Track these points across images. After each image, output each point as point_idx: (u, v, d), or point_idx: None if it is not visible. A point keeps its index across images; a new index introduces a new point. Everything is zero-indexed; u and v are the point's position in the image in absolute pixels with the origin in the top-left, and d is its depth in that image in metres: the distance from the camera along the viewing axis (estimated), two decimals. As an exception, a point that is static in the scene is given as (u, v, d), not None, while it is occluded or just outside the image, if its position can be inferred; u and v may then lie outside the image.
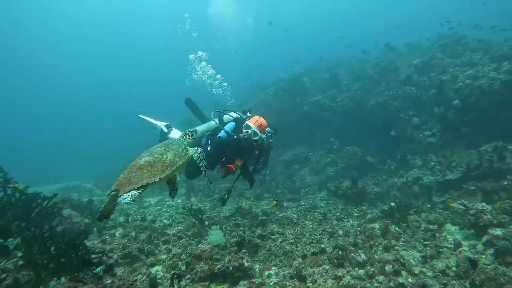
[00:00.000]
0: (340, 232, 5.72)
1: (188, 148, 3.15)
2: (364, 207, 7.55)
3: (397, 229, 5.55)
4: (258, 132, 4.58)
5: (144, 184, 2.51)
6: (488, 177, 7.06)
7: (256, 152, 5.03)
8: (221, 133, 4.84)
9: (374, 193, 8.12)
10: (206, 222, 6.72)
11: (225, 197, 4.86)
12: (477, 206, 5.37)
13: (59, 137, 41.14)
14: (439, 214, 6.15)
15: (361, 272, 4.06)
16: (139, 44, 54.16)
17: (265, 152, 5.32)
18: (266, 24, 21.13)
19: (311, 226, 6.31)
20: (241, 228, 6.30)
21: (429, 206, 6.88)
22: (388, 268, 4.12)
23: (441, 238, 5.25)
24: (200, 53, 10.60)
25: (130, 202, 2.42)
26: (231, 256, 4.18)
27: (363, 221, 6.48)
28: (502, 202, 5.46)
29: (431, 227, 5.72)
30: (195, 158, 3.20)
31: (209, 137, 5.15)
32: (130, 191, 2.44)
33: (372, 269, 4.10)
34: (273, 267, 4.26)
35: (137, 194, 2.47)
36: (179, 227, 6.75)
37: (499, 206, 5.25)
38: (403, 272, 4.10)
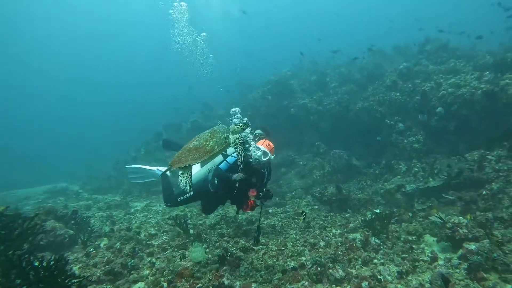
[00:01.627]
0: (322, 243, 5.83)
1: (230, 136, 3.45)
2: (347, 215, 7.69)
3: (376, 240, 5.69)
4: (267, 151, 4.53)
5: (187, 165, 3.34)
6: (468, 186, 7.28)
7: (265, 171, 4.82)
8: (223, 165, 4.64)
9: (358, 200, 8.26)
10: (191, 231, 6.78)
11: (257, 234, 4.60)
12: (454, 219, 5.53)
13: (49, 135, 40.53)
14: (419, 224, 6.31)
15: (338, 289, 4.18)
16: (129, 46, 53.46)
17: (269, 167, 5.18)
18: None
19: (294, 236, 6.41)
20: (225, 238, 6.37)
21: (410, 214, 7.05)
22: (364, 284, 4.25)
23: (418, 251, 5.41)
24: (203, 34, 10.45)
25: (186, 188, 3.42)
26: (212, 275, 4.24)
27: (345, 230, 6.62)
28: (473, 215, 5.68)
29: (410, 238, 5.88)
30: (232, 146, 3.54)
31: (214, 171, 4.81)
32: (178, 167, 3.35)
33: (349, 286, 4.21)
34: (253, 284, 4.34)
35: (186, 178, 3.42)
36: (164, 237, 6.80)
37: (470, 218, 5.43)
38: (379, 289, 4.23)
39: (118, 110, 48.45)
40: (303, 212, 4.79)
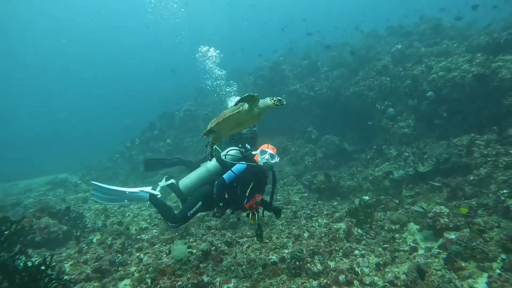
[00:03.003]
0: (306, 234, 5.94)
1: (246, 105, 3.52)
2: (335, 203, 7.77)
3: (359, 231, 5.77)
4: (274, 154, 4.48)
5: (208, 129, 3.87)
6: (457, 171, 7.28)
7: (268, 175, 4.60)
8: (229, 176, 4.28)
9: (347, 187, 8.33)
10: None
11: (259, 231, 4.46)
12: (436, 209, 5.56)
13: (51, 127, 40.82)
14: (404, 212, 6.36)
15: (315, 283, 4.28)
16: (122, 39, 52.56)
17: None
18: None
19: (280, 227, 6.52)
20: (212, 231, 6.51)
21: (397, 201, 7.10)
22: (341, 278, 4.35)
23: (400, 241, 5.49)
24: None
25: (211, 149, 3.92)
26: (191, 273, 4.36)
27: (331, 220, 6.71)
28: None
29: (393, 227, 5.95)
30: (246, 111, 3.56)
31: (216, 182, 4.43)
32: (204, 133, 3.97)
33: (325, 280, 4.32)
34: (232, 280, 4.46)
35: (210, 146, 3.94)
36: (154, 231, 6.95)
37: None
38: (355, 282, 4.33)
39: (116, 101, 48.35)
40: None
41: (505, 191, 6.04)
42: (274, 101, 3.49)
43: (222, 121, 3.73)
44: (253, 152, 4.57)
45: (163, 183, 4.72)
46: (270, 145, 4.62)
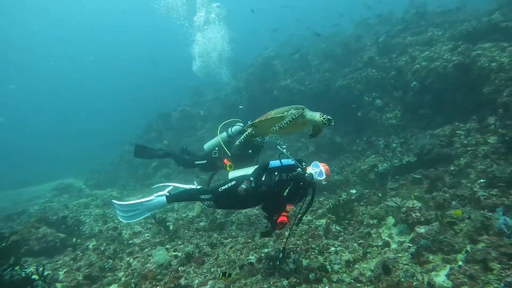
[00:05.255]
0: (286, 233, 6.16)
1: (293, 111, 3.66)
2: (321, 198, 7.97)
3: (337, 228, 5.98)
4: (324, 173, 4.32)
5: (252, 122, 4.31)
6: (439, 162, 7.38)
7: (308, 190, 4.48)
8: (275, 163, 4.46)
9: (334, 182, 8.49)
10: (171, 227, 7.24)
11: (280, 256, 4.47)
12: (408, 203, 5.72)
13: (58, 132, 41.71)
14: (382, 208, 6.51)
15: (285, 283, 4.53)
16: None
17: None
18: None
19: (265, 225, 6.77)
20: (200, 233, 6.81)
21: (380, 195, 7.26)
22: (311, 276, 4.59)
23: (375, 236, 5.68)
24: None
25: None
26: (169, 277, 4.67)
27: (314, 216, 6.93)
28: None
29: (371, 222, 6.14)
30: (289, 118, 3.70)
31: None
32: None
33: (295, 279, 4.56)
34: (209, 282, 4.75)
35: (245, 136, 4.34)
36: (146, 235, 7.30)
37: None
38: (324, 280, 4.56)
39: (116, 101, 48.76)
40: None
41: (482, 180, 6.16)
42: (323, 118, 3.49)
43: (264, 120, 3.90)
44: (315, 162, 4.49)
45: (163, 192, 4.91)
46: (327, 166, 4.43)
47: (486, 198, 5.46)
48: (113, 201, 4.90)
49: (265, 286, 4.52)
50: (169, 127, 14.83)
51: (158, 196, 4.81)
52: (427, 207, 5.82)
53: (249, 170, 4.77)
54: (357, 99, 10.46)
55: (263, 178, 4.38)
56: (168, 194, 4.83)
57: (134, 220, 4.81)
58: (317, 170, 4.32)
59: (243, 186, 4.34)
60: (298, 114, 3.64)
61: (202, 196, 4.70)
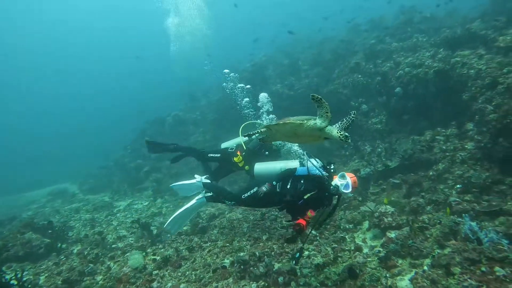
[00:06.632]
0: (264, 237, 6.27)
1: (312, 122, 3.41)
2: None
3: (313, 232, 6.07)
4: (350, 186, 4.16)
5: (268, 124, 4.05)
6: (420, 167, 7.47)
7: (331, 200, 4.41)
8: (302, 170, 4.47)
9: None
10: (155, 232, 7.36)
11: (297, 255, 4.31)
12: (381, 208, 5.81)
13: (53, 135, 41.94)
14: (359, 213, 6.59)
15: (253, 285, 4.64)
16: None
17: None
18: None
19: (246, 230, 6.87)
20: (182, 237, 6.93)
21: (360, 199, 7.34)
22: (280, 279, 4.69)
23: (349, 240, 5.77)
24: None
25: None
26: (142, 281, 4.79)
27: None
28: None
29: (347, 226, 6.23)
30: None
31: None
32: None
33: (263, 282, 4.66)
34: (181, 285, 4.86)
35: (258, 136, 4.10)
36: (130, 239, 7.42)
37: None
38: (292, 283, 4.66)
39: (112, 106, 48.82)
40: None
41: (458, 186, 6.25)
42: (340, 134, 3.36)
43: (282, 124, 3.60)
44: (343, 173, 4.31)
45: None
46: (355, 178, 4.28)
47: (458, 204, 5.55)
48: (165, 227, 5.60)
49: (234, 289, 4.63)
50: (163, 132, 15.01)
51: (198, 199, 5.48)
52: (400, 212, 5.91)
53: (275, 165, 4.84)
54: (343, 104, 10.56)
55: (288, 186, 4.42)
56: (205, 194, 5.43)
57: (186, 222, 5.96)
58: (344, 182, 4.16)
59: (263, 188, 4.53)
60: (304, 120, 3.44)
61: (227, 202, 5.13)
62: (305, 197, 4.12)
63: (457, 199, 5.65)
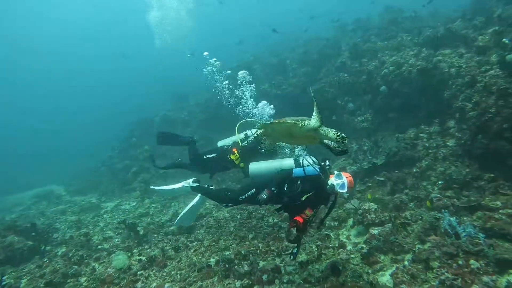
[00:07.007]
0: (250, 236, 6.30)
1: (307, 122, 3.45)
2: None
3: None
4: (347, 186, 4.14)
5: (264, 123, 3.96)
6: (405, 164, 7.58)
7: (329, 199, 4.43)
8: (299, 171, 4.40)
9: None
10: (141, 232, 7.32)
11: (295, 251, 4.25)
12: (365, 205, 5.90)
13: (38, 133, 41.10)
14: (344, 210, 6.66)
15: (238, 284, 4.66)
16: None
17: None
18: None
19: (232, 229, 6.88)
20: (169, 237, 6.91)
21: (345, 197, 7.42)
22: (264, 277, 4.72)
23: (333, 237, 5.84)
24: None
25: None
26: (126, 281, 4.76)
27: (280, 219, 7.06)
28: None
29: (333, 224, 6.29)
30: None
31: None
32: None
33: (247, 280, 4.69)
34: (166, 285, 4.86)
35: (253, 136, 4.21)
36: (116, 240, 7.36)
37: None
38: (276, 281, 4.69)
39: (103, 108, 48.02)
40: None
41: (440, 182, 6.38)
42: (337, 135, 3.37)
43: (277, 123, 3.63)
44: (339, 172, 4.31)
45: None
46: (351, 177, 4.26)
47: (439, 200, 5.66)
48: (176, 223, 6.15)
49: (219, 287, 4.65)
50: (151, 132, 14.89)
51: (199, 197, 5.83)
52: (384, 209, 6.00)
53: (270, 165, 4.74)
54: (330, 103, 10.66)
55: (285, 188, 4.39)
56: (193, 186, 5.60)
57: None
58: (340, 182, 4.16)
59: (263, 196, 4.42)
60: (298, 121, 3.51)
61: (224, 204, 5.24)
62: (303, 198, 4.15)
63: (438, 195, 5.76)
